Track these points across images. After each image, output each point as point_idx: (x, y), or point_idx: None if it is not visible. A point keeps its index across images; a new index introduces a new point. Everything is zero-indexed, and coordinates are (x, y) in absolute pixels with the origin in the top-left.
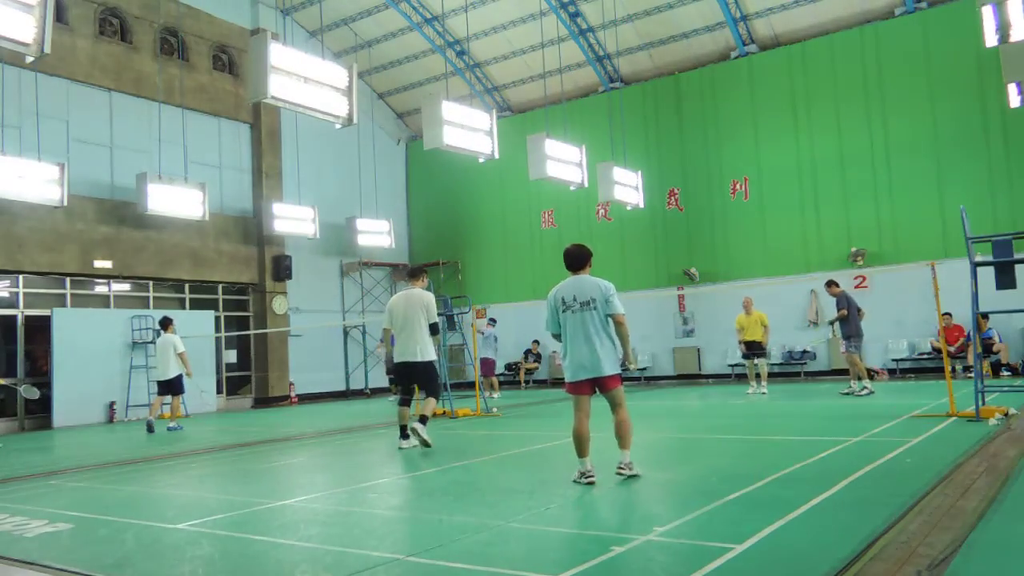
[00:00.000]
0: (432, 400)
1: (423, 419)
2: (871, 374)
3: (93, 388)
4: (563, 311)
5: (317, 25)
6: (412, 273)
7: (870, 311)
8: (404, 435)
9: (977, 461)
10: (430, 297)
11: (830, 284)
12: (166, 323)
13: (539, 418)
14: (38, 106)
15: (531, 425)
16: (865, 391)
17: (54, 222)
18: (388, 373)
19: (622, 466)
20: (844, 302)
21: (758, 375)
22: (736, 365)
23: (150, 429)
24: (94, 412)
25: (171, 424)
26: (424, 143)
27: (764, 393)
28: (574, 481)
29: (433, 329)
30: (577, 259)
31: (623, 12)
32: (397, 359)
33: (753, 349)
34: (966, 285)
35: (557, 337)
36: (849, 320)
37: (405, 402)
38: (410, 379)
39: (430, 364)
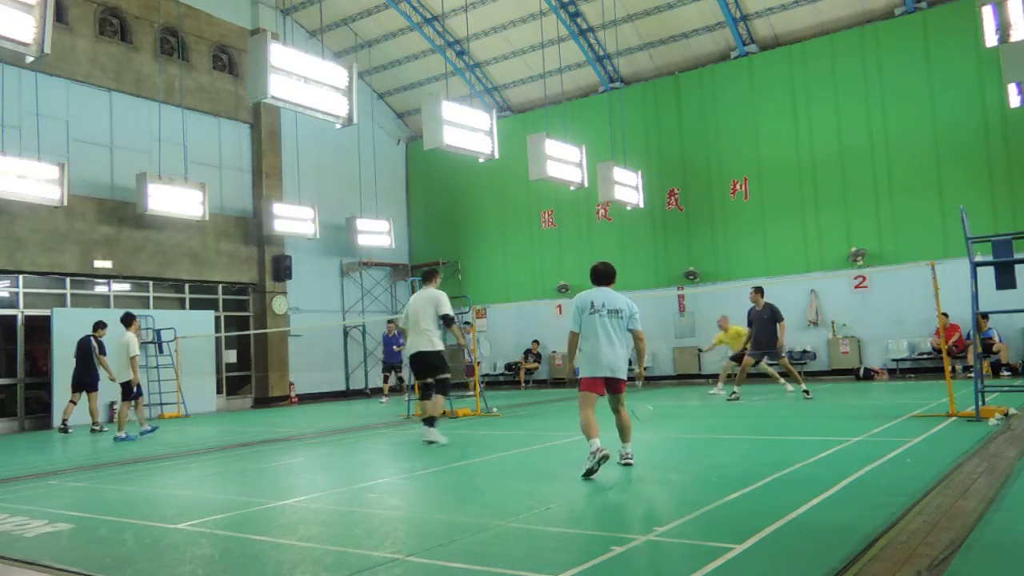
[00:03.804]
0: (440, 399)
1: (430, 420)
2: (871, 374)
3: None
4: (590, 313)
5: (317, 25)
6: (425, 276)
7: (870, 311)
8: (430, 424)
9: (977, 461)
10: (439, 294)
11: (757, 291)
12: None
13: (539, 418)
14: (38, 106)
15: (531, 425)
16: (733, 395)
17: (54, 222)
18: (384, 371)
19: (626, 455)
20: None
21: (768, 375)
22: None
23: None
24: None
25: (119, 435)
26: (424, 143)
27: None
28: (588, 469)
29: (447, 320)
30: (606, 275)
31: (623, 12)
32: (409, 351)
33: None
34: (966, 285)
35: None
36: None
37: (426, 396)
38: (423, 370)
39: (437, 354)
